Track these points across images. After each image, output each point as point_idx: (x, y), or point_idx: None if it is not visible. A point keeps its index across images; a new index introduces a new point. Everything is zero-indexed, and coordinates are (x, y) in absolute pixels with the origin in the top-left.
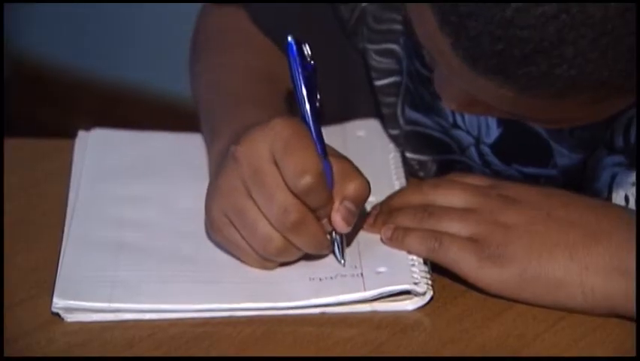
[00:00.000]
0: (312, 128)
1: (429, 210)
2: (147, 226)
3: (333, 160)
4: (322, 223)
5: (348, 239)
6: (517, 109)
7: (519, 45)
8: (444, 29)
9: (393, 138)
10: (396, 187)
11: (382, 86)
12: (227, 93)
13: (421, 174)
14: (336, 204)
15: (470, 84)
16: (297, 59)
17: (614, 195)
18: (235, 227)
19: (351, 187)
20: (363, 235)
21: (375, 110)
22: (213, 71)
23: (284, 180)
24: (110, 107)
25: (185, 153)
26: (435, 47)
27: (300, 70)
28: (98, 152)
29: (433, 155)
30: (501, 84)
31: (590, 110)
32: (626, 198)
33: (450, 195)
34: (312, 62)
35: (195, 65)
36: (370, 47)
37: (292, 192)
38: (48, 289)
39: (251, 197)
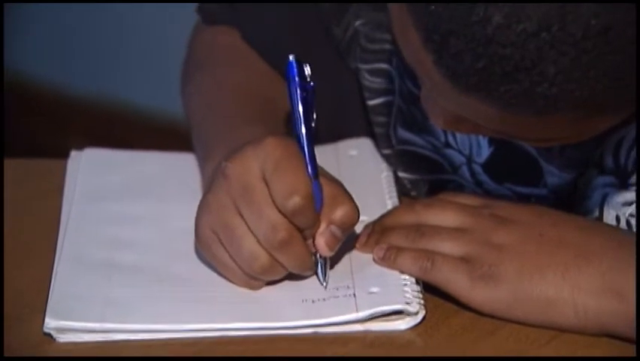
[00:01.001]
0: (306, 149)
1: (421, 229)
2: (140, 246)
3: (324, 182)
4: (308, 244)
5: (340, 259)
6: (501, 127)
7: (500, 63)
8: (427, 47)
9: (386, 158)
10: (389, 207)
11: (374, 106)
12: (221, 112)
13: (413, 193)
14: (322, 227)
15: (453, 101)
16: (297, 79)
17: (605, 216)
18: (222, 244)
19: (339, 212)
20: (355, 255)
21: (367, 129)
22: (206, 90)
23: (272, 199)
24: (105, 127)
25: (177, 172)
26: (419, 64)
27: (298, 90)
28: (91, 171)
29: (425, 174)
30: (483, 101)
31: (575, 128)
32: (617, 219)
33: (442, 215)
34: (311, 83)
35: (188, 84)
36: (363, 66)
37: (280, 210)
38: (40, 308)
39: (239, 214)
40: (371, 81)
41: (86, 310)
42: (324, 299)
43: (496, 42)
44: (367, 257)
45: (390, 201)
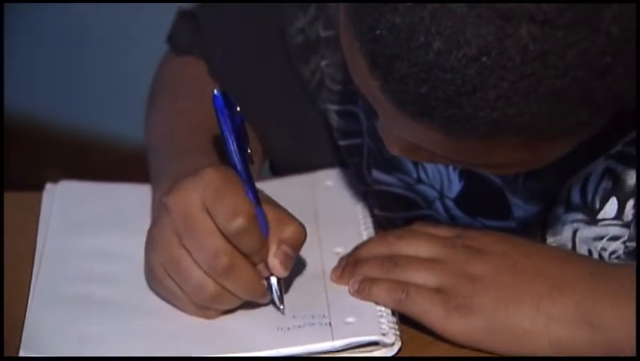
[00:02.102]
0: (244, 177)
1: (395, 260)
2: (114, 280)
3: (267, 207)
4: (257, 269)
5: (315, 289)
6: (449, 152)
7: (442, 87)
8: (373, 72)
9: (362, 195)
10: (364, 237)
11: (345, 147)
12: (173, 142)
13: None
14: (274, 249)
15: (401, 127)
16: (224, 110)
17: (577, 250)
18: (171, 277)
19: (288, 231)
20: (331, 286)
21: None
22: (164, 121)
23: (216, 225)
24: (81, 157)
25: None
26: (368, 91)
27: (227, 121)
28: (66, 204)
29: (401, 212)
30: (428, 126)
31: (525, 153)
32: (590, 253)
33: (415, 246)
34: (240, 114)
35: (150, 113)
36: (331, 107)
37: (224, 236)
38: (16, 343)
39: (183, 246)
40: (339, 122)
41: (60, 345)
42: (299, 326)
43: (438, 67)
44: (343, 288)
45: (365, 232)
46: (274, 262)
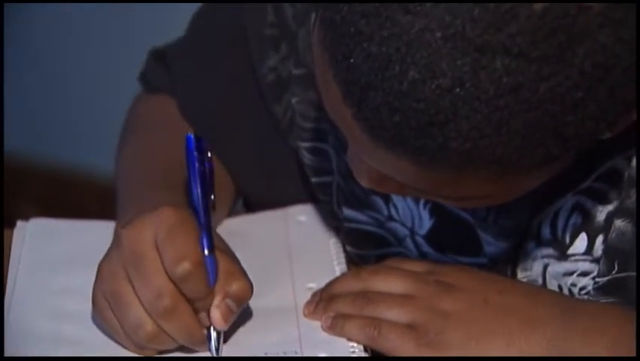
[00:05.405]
0: (202, 223)
1: (367, 296)
2: (85, 318)
3: (221, 257)
4: (199, 316)
5: (288, 325)
6: (420, 183)
7: (415, 117)
8: (346, 101)
9: (335, 231)
10: (337, 273)
11: (316, 184)
12: (139, 177)
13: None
14: (217, 300)
15: (373, 157)
16: (195, 153)
17: (547, 286)
18: (112, 310)
19: (235, 286)
20: (303, 321)
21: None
22: (133, 156)
23: (163, 266)
24: (57, 192)
25: None
26: (340, 119)
27: (196, 164)
28: (36, 242)
29: (372, 249)
30: (400, 156)
31: (495, 186)
32: (560, 288)
33: (388, 282)
34: (210, 160)
35: (121, 148)
36: (302, 144)
37: (170, 278)
38: None
39: (129, 281)
40: (310, 159)
41: None
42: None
43: (412, 97)
44: (315, 324)
45: (338, 267)
46: (215, 313)
